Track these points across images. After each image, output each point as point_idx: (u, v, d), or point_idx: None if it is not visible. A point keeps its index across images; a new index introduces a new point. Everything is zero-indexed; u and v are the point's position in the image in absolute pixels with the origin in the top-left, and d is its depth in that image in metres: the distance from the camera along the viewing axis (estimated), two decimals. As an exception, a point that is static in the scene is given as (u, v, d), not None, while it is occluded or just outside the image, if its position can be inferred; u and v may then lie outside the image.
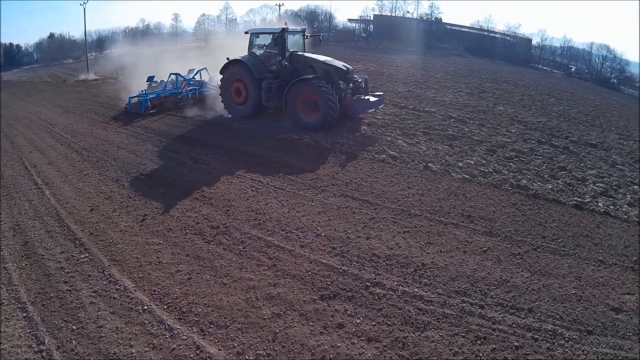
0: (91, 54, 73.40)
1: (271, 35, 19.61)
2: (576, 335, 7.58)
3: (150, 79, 26.80)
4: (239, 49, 20.48)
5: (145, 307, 7.55)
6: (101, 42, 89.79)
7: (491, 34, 79.37)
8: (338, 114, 17.66)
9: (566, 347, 7.28)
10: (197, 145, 16.80)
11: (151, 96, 24.24)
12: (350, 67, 19.12)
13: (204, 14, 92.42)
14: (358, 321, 7.28)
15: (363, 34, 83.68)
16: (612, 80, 66.32)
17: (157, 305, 7.62)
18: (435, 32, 77.54)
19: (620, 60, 69.04)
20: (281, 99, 18.22)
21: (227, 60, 19.81)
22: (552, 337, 7.41)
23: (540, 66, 72.99)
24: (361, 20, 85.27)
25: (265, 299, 7.75)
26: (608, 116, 29.20)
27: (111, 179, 13.75)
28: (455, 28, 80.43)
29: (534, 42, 77.04)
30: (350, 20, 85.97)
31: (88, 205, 11.89)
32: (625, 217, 12.28)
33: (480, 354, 6.80)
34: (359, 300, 7.80)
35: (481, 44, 74.83)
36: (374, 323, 7.26)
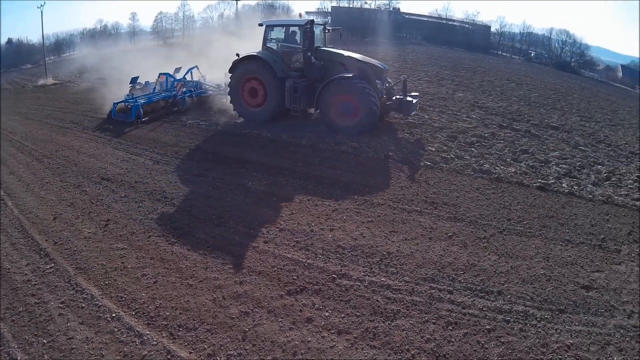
0: (49, 58, 71.42)
1: (288, 28, 18.15)
2: (548, 314, 7.75)
3: (133, 80, 23.61)
4: (218, 46, 19.91)
5: (114, 315, 7.39)
6: (59, 45, 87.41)
7: (450, 22, 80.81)
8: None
9: (539, 327, 7.42)
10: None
11: (142, 101, 20.95)
12: (386, 66, 18.18)
13: (161, 12, 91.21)
14: (327, 314, 7.27)
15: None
16: (572, 64, 68.47)
17: (125, 311, 7.48)
18: (394, 22, 78.35)
19: (580, 45, 71.54)
20: (310, 101, 16.87)
21: (238, 57, 17.87)
22: (524, 318, 7.55)
23: (500, 52, 74.80)
24: (319, 13, 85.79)
25: (232, 298, 7.68)
26: (569, 99, 30.08)
27: (73, 185, 13.39)
28: (413, 17, 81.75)
29: (493, 29, 78.81)
30: (308, 12, 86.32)
31: (51, 213, 11.52)
32: (590, 196, 12.65)
33: (452, 340, 6.88)
34: (326, 293, 7.80)
35: (440, 33, 76.18)
36: (342, 315, 7.26)
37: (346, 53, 17.32)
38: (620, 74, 72.36)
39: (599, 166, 15.44)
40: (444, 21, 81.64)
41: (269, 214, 10.59)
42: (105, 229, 10.39)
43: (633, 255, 10.33)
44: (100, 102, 24.28)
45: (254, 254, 8.98)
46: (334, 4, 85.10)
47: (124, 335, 6.96)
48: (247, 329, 6.96)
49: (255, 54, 17.48)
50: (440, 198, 11.57)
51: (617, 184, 14.10)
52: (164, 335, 6.93)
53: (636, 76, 67.93)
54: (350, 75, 15.95)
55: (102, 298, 7.84)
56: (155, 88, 23.31)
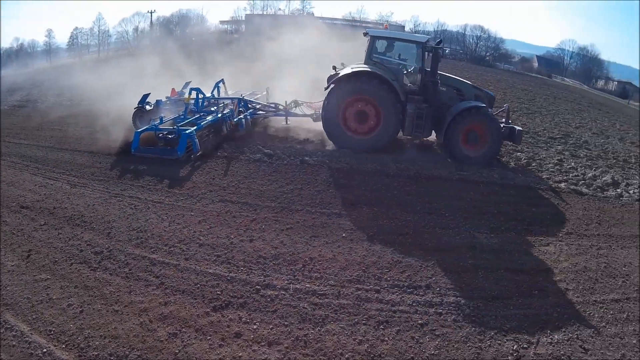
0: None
1: (403, 43, 16.54)
2: (481, 302, 8.20)
3: (143, 99, 18.23)
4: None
5: (45, 350, 7.09)
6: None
7: (363, 25, 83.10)
8: None
9: (472, 315, 7.83)
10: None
11: (192, 128, 15.53)
12: (494, 94, 17.67)
13: (77, 28, 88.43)
14: (255, 327, 7.34)
15: (235, 35, 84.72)
16: (487, 57, 72.08)
17: (55, 345, 7.20)
18: (307, 27, 79.57)
19: (494, 39, 75.93)
20: (433, 128, 15.94)
21: (336, 71, 15.96)
22: (457, 309, 7.94)
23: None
24: (233, 22, 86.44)
25: (159, 320, 7.59)
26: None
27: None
28: (327, 22, 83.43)
29: (407, 29, 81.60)
30: (222, 22, 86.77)
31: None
32: (512, 183, 13.46)
33: (386, 338, 7.13)
34: (252, 305, 7.87)
35: (354, 35, 77.94)
36: (271, 326, 7.36)
37: (459, 78, 16.89)
38: (535, 64, 77.81)
39: (519, 153, 16.51)
40: (358, 24, 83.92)
41: (187, 230, 10.53)
42: (27, 260, 9.80)
43: (560, 235, 11.05)
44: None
45: (175, 272, 8.91)
46: (248, 11, 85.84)
47: (58, 371, 6.80)
48: (177, 351, 6.93)
49: (369, 69, 15.24)
50: (359, 199, 11.95)
51: (538, 169, 15.10)
52: (96, 366, 6.83)
53: (552, 66, 72.93)
54: (483, 105, 15.33)
55: (31, 334, 7.52)
56: (187, 109, 18.00)
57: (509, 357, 7.10)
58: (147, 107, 18.10)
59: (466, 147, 14.99)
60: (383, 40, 16.14)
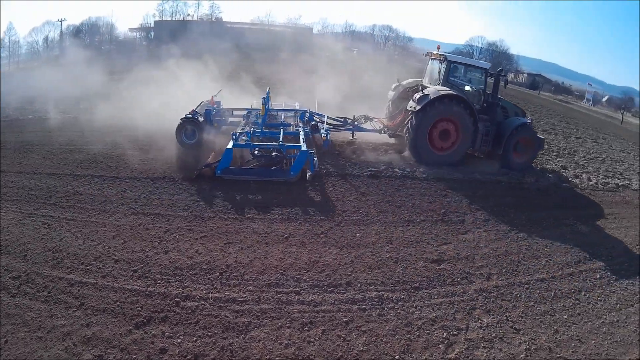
0: None
1: (472, 68, 18.42)
2: (404, 294, 8.33)
3: (207, 111, 16.85)
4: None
5: None
6: None
7: (272, 28, 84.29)
8: None
9: (397, 308, 7.94)
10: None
11: (306, 146, 14.72)
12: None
13: None
14: (179, 341, 7.12)
15: (144, 43, 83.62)
16: (395, 56, 74.83)
17: None
18: (216, 32, 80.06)
19: (403, 38, 78.58)
20: (494, 143, 17.56)
21: (424, 94, 16.67)
22: (380, 303, 8.02)
23: (323, 52, 79.40)
24: (142, 29, 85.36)
25: (83, 343, 7.20)
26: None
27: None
28: (235, 26, 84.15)
29: (315, 31, 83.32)
30: (131, 29, 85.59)
31: None
32: (424, 176, 13.79)
33: (312, 339, 7.07)
34: (174, 318, 7.63)
35: (262, 39, 79.09)
36: (195, 338, 7.16)
37: (504, 98, 19.03)
38: None
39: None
40: (266, 27, 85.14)
41: (102, 247, 10.11)
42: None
43: (478, 222, 11.41)
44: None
45: (94, 291, 8.50)
46: (157, 18, 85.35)
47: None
48: (104, 374, 6.64)
49: (454, 93, 16.68)
50: (271, 201, 11.95)
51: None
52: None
53: None
54: (528, 121, 18.24)
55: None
56: (263, 120, 16.95)
57: (440, 346, 7.24)
58: (200, 118, 16.14)
59: (515, 156, 17.40)
60: (457, 65, 18.05)
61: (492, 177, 15.90)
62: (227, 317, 7.56)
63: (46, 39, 79.35)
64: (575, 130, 29.08)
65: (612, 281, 10.08)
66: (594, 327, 8.35)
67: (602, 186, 16.91)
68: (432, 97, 16.18)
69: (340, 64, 40.06)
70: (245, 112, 18.08)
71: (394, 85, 19.05)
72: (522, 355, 7.35)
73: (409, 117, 16.60)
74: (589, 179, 17.51)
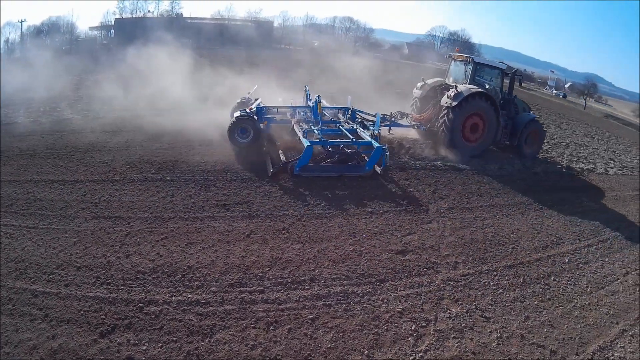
0: None
1: (494, 69, 20.28)
2: (370, 288, 8.31)
3: (260, 109, 17.20)
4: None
5: None
6: None
7: (232, 22, 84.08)
8: None
9: (363, 302, 7.90)
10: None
11: (378, 141, 15.47)
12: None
13: None
14: (145, 347, 6.99)
15: (104, 41, 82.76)
16: (357, 47, 75.19)
17: None
18: (176, 27, 79.63)
19: (364, 29, 79.27)
20: (512, 135, 19.98)
21: (458, 91, 18.42)
22: (345, 298, 7.98)
23: (283, 45, 79.17)
24: (102, 27, 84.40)
25: (50, 356, 7.02)
26: (355, 82, 32.03)
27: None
28: (196, 21, 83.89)
29: (275, 24, 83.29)
30: (91, 28, 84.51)
31: None
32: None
33: (278, 339, 7.01)
34: (138, 325, 7.48)
35: (223, 33, 78.92)
36: (160, 344, 7.04)
37: (515, 95, 21.20)
38: (406, 51, 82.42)
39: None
40: (227, 21, 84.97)
41: (63, 254, 9.91)
42: None
43: (442, 211, 11.42)
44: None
45: (58, 301, 8.30)
46: (117, 16, 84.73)
47: None
48: (72, 387, 6.49)
49: (482, 91, 18.68)
50: (231, 199, 11.86)
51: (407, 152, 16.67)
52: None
53: (423, 52, 77.52)
54: (536, 116, 21.47)
55: None
56: (320, 114, 17.29)
57: (409, 339, 7.25)
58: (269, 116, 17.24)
59: (525, 147, 20.04)
60: (481, 67, 20.14)
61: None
62: (192, 320, 7.44)
63: (7, 41, 78.14)
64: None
65: (581, 265, 10.26)
66: (565, 311, 8.48)
67: (566, 170, 18.87)
68: (465, 94, 18.10)
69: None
70: (290, 109, 18.26)
71: (419, 84, 20.75)
72: (494, 344, 7.39)
73: (444, 112, 18.33)
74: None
